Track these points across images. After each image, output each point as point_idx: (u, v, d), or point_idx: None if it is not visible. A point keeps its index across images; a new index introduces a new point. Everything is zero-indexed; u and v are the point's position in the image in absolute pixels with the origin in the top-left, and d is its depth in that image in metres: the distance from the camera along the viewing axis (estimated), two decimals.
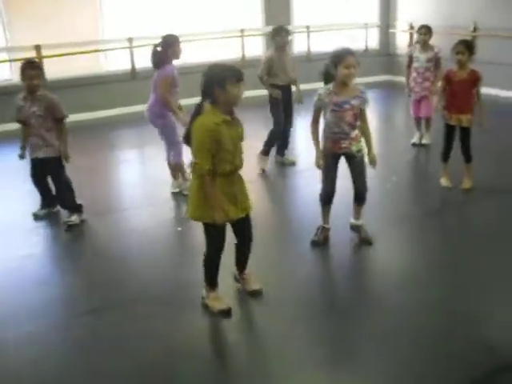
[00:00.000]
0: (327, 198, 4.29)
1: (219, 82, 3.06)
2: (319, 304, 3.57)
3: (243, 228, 3.47)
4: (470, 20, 10.23)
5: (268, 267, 4.02)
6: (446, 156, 5.45)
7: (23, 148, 5.00)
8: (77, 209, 4.97)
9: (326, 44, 11.71)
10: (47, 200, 5.10)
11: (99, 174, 6.36)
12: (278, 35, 6.02)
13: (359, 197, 4.30)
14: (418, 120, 6.96)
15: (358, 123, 4.13)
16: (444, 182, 5.49)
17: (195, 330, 3.35)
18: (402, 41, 11.76)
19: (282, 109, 6.19)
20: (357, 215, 4.39)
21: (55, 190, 5.05)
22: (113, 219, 5.17)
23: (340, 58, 3.91)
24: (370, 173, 4.34)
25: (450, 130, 5.33)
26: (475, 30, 10.18)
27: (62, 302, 3.71)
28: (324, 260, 4.28)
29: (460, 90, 5.12)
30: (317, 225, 4.39)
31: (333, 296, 3.75)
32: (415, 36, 7.10)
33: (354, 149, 4.14)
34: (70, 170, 5.08)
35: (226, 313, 3.42)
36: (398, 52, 11.63)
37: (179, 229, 4.84)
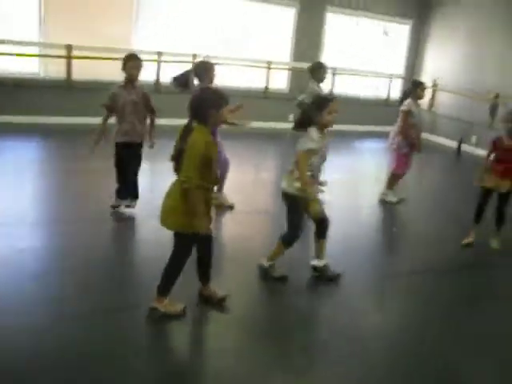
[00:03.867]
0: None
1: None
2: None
3: (210, 240, 3.65)
4: (493, 86, 10.39)
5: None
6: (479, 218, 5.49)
7: (101, 134, 5.06)
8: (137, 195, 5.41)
9: (348, 87, 11.94)
10: (125, 190, 5.28)
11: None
12: (319, 71, 6.73)
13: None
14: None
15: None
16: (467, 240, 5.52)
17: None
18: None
19: None
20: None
21: (134, 175, 5.30)
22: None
23: (326, 103, 3.96)
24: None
25: (486, 193, 5.39)
26: (497, 96, 10.32)
27: (54, 301, 3.67)
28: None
29: (506, 158, 5.20)
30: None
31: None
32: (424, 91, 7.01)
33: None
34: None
35: (184, 312, 3.63)
36: None
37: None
